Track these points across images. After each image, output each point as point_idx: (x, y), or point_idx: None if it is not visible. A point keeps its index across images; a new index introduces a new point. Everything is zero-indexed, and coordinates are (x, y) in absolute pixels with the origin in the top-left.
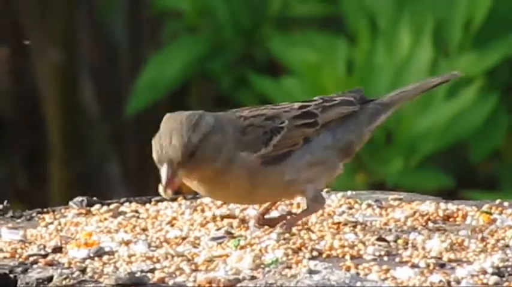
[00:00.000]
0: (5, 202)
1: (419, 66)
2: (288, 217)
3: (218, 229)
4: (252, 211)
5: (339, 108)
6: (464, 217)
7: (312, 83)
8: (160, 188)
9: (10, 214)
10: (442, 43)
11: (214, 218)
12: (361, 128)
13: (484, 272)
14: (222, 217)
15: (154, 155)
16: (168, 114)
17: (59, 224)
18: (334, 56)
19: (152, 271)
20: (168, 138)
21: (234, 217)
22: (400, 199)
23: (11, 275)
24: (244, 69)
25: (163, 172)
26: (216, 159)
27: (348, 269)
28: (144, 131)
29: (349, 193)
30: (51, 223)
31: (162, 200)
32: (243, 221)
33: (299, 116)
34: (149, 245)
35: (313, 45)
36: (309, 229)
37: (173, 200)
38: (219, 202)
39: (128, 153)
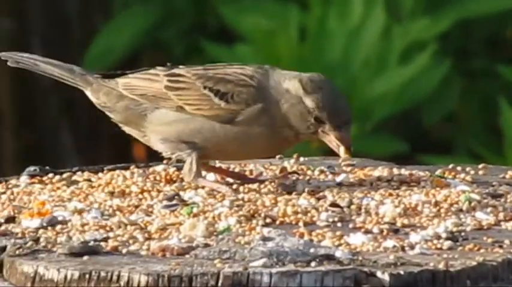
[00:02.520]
0: None
1: (372, 33)
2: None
3: (171, 197)
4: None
5: None
6: (418, 181)
7: (265, 50)
8: (342, 151)
9: None
10: (394, 9)
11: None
12: None
13: (438, 237)
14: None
15: (339, 114)
16: (318, 75)
17: (12, 193)
18: (287, 22)
19: (105, 239)
20: (343, 98)
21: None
22: (353, 165)
23: None
24: (196, 36)
25: (348, 133)
26: None
27: (302, 235)
28: None
29: (301, 159)
30: (4, 193)
31: (114, 169)
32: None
33: None
34: (102, 214)
35: (266, 12)
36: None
37: (125, 168)
38: (171, 169)
39: (80, 122)
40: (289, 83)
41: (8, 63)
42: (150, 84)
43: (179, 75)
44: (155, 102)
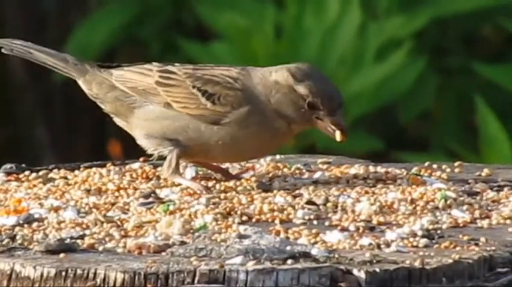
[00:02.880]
0: None
1: (348, 30)
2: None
3: (147, 195)
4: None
5: None
6: (394, 179)
7: (241, 48)
8: (338, 134)
9: None
10: (370, 6)
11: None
12: None
13: (414, 235)
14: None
15: (332, 98)
16: (309, 65)
17: None
18: (263, 20)
19: (82, 237)
20: (333, 84)
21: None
22: (329, 163)
23: None
24: (173, 34)
25: (342, 117)
26: None
27: (278, 233)
28: (72, 97)
29: (277, 156)
30: None
31: (91, 167)
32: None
33: None
34: (78, 212)
35: (242, 10)
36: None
37: (101, 166)
38: (147, 168)
39: (56, 119)
40: (277, 74)
41: (2, 50)
42: (142, 78)
43: (171, 72)
44: (144, 97)
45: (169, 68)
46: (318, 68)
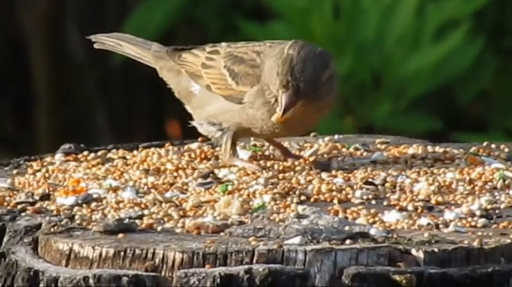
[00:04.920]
0: None
1: (406, 10)
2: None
3: (206, 175)
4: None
5: None
6: (452, 159)
7: (299, 28)
8: (274, 117)
9: None
10: None
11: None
12: None
13: (472, 215)
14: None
15: (282, 77)
16: (299, 41)
17: (47, 171)
18: (322, 1)
19: (140, 217)
20: (301, 66)
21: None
22: (387, 143)
23: None
24: (231, 14)
25: (287, 96)
26: (324, 99)
27: (336, 213)
28: (130, 79)
29: (336, 136)
30: (39, 171)
31: (149, 147)
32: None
33: None
34: (137, 192)
35: None
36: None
37: (160, 146)
38: (206, 148)
39: (115, 101)
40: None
41: (95, 46)
42: (195, 60)
43: (216, 52)
44: (194, 79)
45: (218, 48)
46: (309, 47)
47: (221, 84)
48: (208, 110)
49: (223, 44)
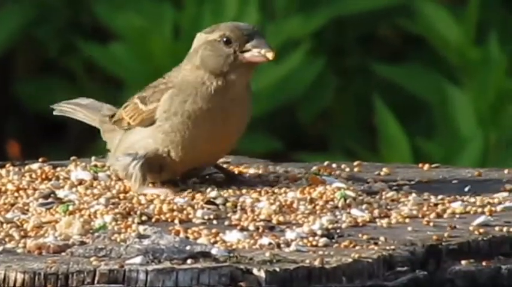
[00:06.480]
0: None
1: None
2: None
3: (47, 195)
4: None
5: None
6: (293, 179)
7: (139, 49)
8: (268, 54)
9: None
10: (267, 7)
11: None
12: None
13: (314, 234)
14: None
15: (242, 27)
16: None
17: None
18: (161, 20)
19: None
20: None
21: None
22: (228, 162)
23: None
24: (71, 34)
25: (261, 38)
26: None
27: (178, 233)
28: None
29: None
30: None
31: None
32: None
33: None
34: None
35: (140, 10)
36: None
37: (1, 166)
38: (47, 168)
39: None
40: (193, 45)
41: (54, 113)
42: (119, 110)
43: (134, 94)
44: (119, 126)
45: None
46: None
47: (135, 114)
48: (126, 142)
49: None
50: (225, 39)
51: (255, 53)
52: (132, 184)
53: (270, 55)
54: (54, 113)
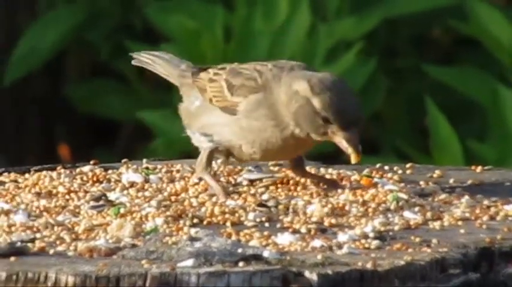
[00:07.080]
0: None
1: (298, 32)
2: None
3: (98, 198)
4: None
5: None
6: (345, 181)
7: (190, 50)
8: (354, 157)
9: None
10: (319, 8)
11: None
12: None
13: (366, 237)
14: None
15: (346, 113)
16: (330, 75)
17: None
18: (212, 22)
19: (32, 240)
20: (353, 98)
21: None
22: (280, 165)
23: None
24: (122, 37)
25: (355, 134)
26: None
27: (229, 235)
28: (20, 100)
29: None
30: None
31: (41, 170)
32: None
33: None
34: (29, 215)
35: (191, 12)
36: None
37: (52, 169)
38: (98, 171)
39: (4, 122)
40: (298, 84)
41: (132, 62)
42: (205, 76)
43: (223, 68)
44: (201, 93)
45: (227, 65)
46: (345, 81)
47: (219, 97)
48: (203, 120)
49: (234, 63)
50: (323, 116)
51: (343, 145)
52: (197, 165)
53: (353, 159)
54: (133, 62)
